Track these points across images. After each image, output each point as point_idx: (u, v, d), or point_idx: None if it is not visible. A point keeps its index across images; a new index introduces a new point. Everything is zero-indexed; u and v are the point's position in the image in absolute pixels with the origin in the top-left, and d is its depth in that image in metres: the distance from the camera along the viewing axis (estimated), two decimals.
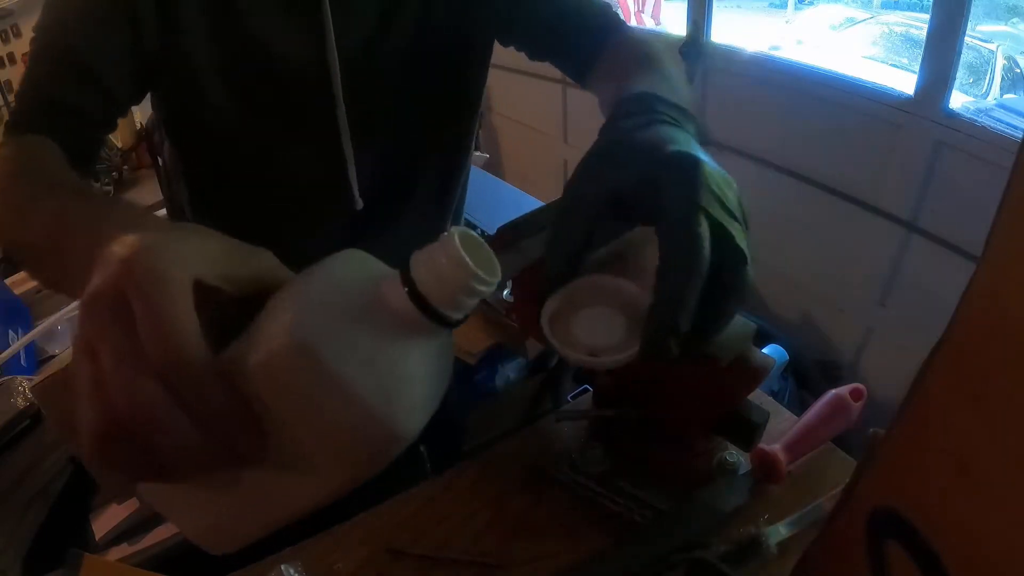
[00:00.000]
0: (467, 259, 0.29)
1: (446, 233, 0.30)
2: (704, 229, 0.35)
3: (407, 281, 0.30)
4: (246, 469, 0.29)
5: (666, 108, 0.43)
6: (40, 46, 0.58)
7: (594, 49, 0.65)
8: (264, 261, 0.33)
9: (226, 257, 0.31)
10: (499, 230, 0.53)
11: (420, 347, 0.31)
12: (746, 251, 0.37)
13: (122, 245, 0.28)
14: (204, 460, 0.28)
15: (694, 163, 0.37)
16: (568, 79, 0.69)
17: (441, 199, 0.78)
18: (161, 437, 0.27)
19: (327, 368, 0.28)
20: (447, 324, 0.31)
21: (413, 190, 0.74)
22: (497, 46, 0.74)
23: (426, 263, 0.30)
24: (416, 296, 0.30)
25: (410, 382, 0.30)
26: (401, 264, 0.31)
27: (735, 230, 0.37)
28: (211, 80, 0.62)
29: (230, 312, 0.30)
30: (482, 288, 0.30)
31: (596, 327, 0.39)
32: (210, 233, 0.32)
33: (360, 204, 0.68)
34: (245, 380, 0.28)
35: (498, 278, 0.30)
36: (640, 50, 0.61)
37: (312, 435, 0.29)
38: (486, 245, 0.31)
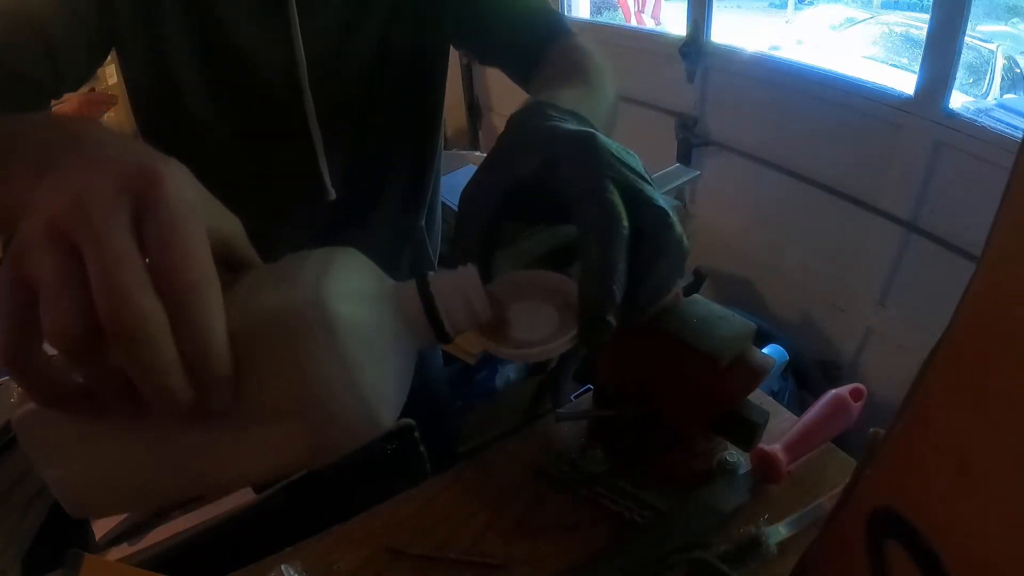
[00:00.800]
0: (484, 292, 0.33)
1: (465, 266, 0.33)
2: (613, 194, 0.34)
3: (424, 293, 0.32)
4: (183, 426, 0.28)
5: (558, 112, 0.41)
6: None
7: (537, 55, 0.66)
8: (237, 227, 0.33)
9: (214, 210, 0.31)
10: None
11: (409, 353, 0.34)
12: (665, 206, 0.35)
13: (142, 157, 0.26)
14: (162, 399, 0.26)
15: (588, 136, 0.36)
16: None
17: (414, 192, 0.79)
18: (135, 359, 0.24)
19: (341, 342, 0.28)
20: (445, 339, 0.33)
21: (385, 183, 0.75)
22: None
23: (448, 283, 0.33)
24: (431, 308, 0.32)
25: (396, 381, 0.32)
26: (417, 277, 0.33)
27: (648, 189, 0.35)
28: (187, 75, 0.63)
29: None
30: (481, 318, 0.33)
31: (526, 321, 0.37)
32: (199, 184, 0.31)
33: (333, 194, 0.69)
34: (233, 334, 0.28)
35: (489, 315, 0.33)
36: (570, 63, 0.60)
37: (292, 402, 0.29)
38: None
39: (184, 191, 0.26)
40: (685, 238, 0.36)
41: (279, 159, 0.69)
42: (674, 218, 0.35)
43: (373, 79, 0.68)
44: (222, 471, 0.32)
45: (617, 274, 0.33)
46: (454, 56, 0.77)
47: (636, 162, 0.37)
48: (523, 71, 0.68)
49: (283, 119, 0.66)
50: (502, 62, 0.71)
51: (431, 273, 0.33)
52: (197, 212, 0.26)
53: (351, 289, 0.31)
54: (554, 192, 0.36)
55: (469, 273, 0.33)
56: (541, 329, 0.36)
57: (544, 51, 0.66)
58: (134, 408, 0.27)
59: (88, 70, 0.63)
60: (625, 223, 0.33)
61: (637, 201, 0.35)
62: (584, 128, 0.38)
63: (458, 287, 0.33)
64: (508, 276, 0.39)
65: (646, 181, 0.36)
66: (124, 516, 0.81)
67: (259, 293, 0.30)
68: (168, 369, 0.25)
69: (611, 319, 0.33)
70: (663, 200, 0.36)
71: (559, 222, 0.39)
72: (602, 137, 0.37)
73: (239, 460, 0.32)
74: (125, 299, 0.24)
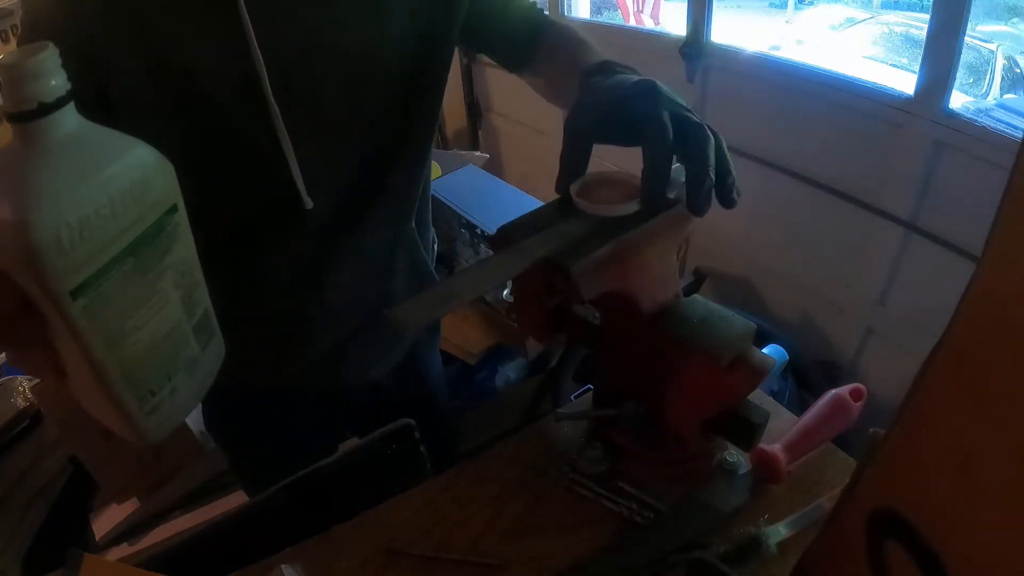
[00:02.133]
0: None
1: None
2: (666, 117, 0.51)
3: None
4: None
5: (618, 67, 0.62)
6: None
7: (532, 43, 0.75)
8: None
9: None
10: (499, 230, 0.53)
11: (40, 153, 0.36)
12: (702, 123, 0.51)
13: None
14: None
15: (650, 84, 0.54)
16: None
17: (404, 195, 0.77)
18: None
19: None
20: (28, 117, 0.35)
21: (371, 189, 0.73)
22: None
23: None
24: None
25: (37, 182, 0.35)
26: None
27: (691, 116, 0.52)
28: (139, 99, 0.60)
29: None
30: (17, 73, 0.35)
31: (606, 197, 0.53)
32: None
33: (309, 203, 0.67)
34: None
35: (33, 57, 0.35)
36: (572, 37, 0.73)
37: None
38: (46, 47, 0.36)
39: None
40: (720, 143, 0.52)
41: (250, 171, 0.66)
42: (709, 130, 0.51)
43: (349, 80, 0.65)
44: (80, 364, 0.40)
45: (669, 161, 0.50)
46: (454, 57, 0.76)
47: (682, 98, 0.54)
48: (519, 58, 0.77)
49: (249, 130, 0.63)
50: (496, 51, 0.77)
51: None
52: None
53: None
54: (627, 119, 0.52)
55: None
56: (615, 200, 0.52)
57: (538, 37, 0.75)
58: None
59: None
60: (670, 137, 0.50)
61: (682, 119, 0.51)
62: (645, 79, 0.55)
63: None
64: (594, 173, 0.55)
65: (688, 111, 0.53)
66: (124, 516, 0.81)
67: None
68: None
69: (665, 195, 0.51)
70: (701, 121, 0.52)
71: (628, 140, 0.53)
72: (658, 83, 0.54)
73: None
74: None
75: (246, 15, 0.57)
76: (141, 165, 0.41)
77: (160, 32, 0.58)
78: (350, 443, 0.96)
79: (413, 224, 0.80)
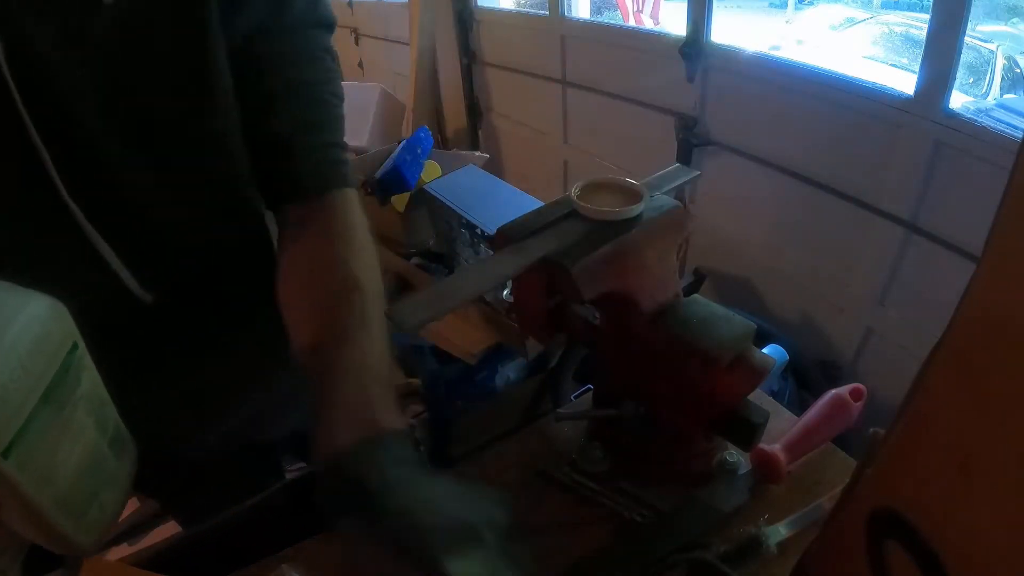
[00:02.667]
0: None
1: None
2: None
3: None
4: None
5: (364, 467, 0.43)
6: None
7: (305, 191, 0.59)
8: None
9: None
10: (499, 230, 0.53)
11: None
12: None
13: None
14: None
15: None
16: (568, 79, 0.69)
17: (246, 276, 0.63)
18: None
19: None
20: None
21: (209, 276, 0.63)
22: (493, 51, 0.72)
23: None
24: None
25: None
26: None
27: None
28: None
29: None
30: None
31: (603, 201, 0.53)
32: None
33: (147, 297, 0.58)
34: None
35: None
36: (341, 272, 0.55)
37: None
38: None
39: None
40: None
41: (62, 263, 0.53)
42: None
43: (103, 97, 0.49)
44: None
45: None
46: (454, 57, 0.75)
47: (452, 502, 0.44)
48: (278, 190, 0.60)
49: (43, 215, 0.51)
50: (261, 158, 0.59)
51: None
52: None
53: None
54: None
55: None
56: (615, 204, 0.52)
57: (309, 192, 0.59)
58: None
59: None
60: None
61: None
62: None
63: None
64: (595, 178, 0.55)
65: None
66: (124, 516, 0.81)
67: None
68: None
69: None
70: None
71: None
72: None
73: None
74: None
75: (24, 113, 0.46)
76: (38, 319, 0.42)
77: None
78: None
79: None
